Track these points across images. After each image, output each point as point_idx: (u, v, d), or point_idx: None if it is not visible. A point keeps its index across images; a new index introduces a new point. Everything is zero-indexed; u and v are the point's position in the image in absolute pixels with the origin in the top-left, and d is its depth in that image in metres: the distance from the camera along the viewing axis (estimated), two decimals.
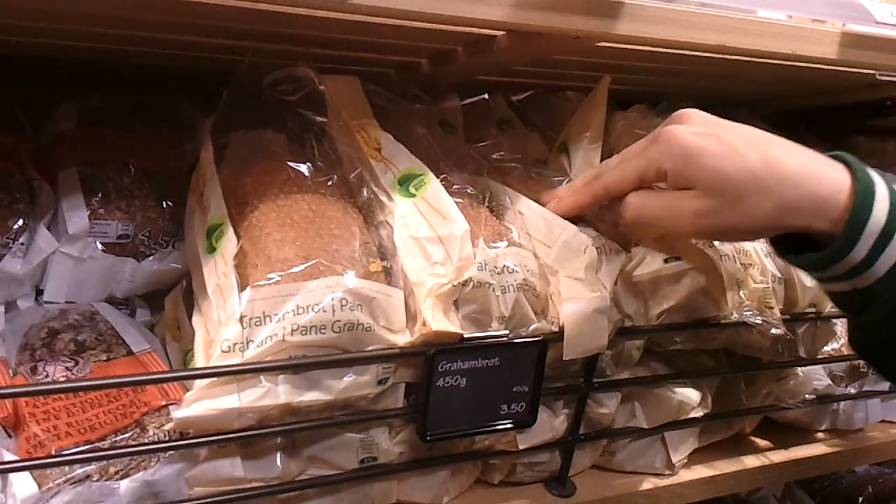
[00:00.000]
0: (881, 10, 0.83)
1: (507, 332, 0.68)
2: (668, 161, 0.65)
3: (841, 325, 0.98)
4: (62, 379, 0.66)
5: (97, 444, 0.61)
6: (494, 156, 0.88)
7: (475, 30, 0.76)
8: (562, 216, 0.76)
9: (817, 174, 0.60)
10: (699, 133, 0.64)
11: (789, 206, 0.60)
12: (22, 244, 0.75)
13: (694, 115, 0.67)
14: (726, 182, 0.61)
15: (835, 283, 0.62)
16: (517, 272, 0.69)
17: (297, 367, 0.61)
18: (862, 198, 0.58)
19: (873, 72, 0.90)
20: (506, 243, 0.72)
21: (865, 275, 0.59)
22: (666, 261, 0.74)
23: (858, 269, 0.59)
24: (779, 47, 0.80)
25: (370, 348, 0.64)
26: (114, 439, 0.62)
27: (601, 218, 0.78)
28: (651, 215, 0.68)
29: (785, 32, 0.80)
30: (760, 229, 0.64)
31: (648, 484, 0.84)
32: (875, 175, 0.60)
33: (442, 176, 0.75)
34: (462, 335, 0.65)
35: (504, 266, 0.69)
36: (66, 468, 0.59)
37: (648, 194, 0.68)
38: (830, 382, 0.95)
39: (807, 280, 0.84)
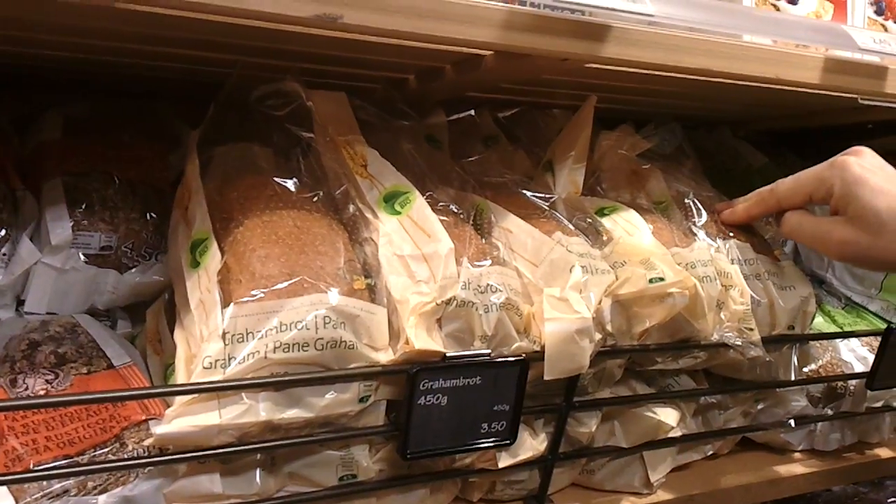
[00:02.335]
0: (863, 36, 0.84)
1: (489, 350, 0.68)
2: (838, 183, 0.76)
3: (819, 347, 0.99)
4: (42, 392, 0.66)
5: (76, 459, 0.60)
6: (490, 177, 0.89)
7: (464, 49, 0.77)
8: (732, 224, 0.89)
9: None
10: (865, 167, 0.75)
11: None
12: (4, 254, 0.75)
13: (866, 152, 0.79)
14: (872, 215, 0.72)
15: None
16: (501, 291, 0.69)
17: (278, 384, 0.61)
18: None
19: (855, 96, 0.91)
20: (490, 262, 0.72)
21: None
22: (650, 281, 0.74)
23: None
24: (763, 71, 0.81)
25: (352, 366, 0.64)
26: (93, 454, 0.61)
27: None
28: (802, 235, 0.82)
29: (769, 57, 0.81)
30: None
31: (627, 503, 0.84)
32: None
33: (427, 193, 0.75)
34: (444, 354, 0.66)
35: (488, 285, 0.69)
36: (45, 483, 0.58)
37: (804, 216, 0.81)
38: (808, 404, 0.96)
39: (784, 303, 0.85)
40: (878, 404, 1.03)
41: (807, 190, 0.80)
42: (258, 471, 0.65)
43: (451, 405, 0.67)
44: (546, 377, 0.70)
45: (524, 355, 0.70)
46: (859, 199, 0.73)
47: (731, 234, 0.87)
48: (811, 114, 1.18)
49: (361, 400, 0.65)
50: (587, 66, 0.77)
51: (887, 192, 0.73)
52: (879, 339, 0.94)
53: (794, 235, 0.83)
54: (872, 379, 0.95)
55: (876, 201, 0.73)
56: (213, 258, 0.65)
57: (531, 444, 0.76)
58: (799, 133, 1.30)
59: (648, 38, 0.73)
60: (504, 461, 0.73)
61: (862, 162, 0.76)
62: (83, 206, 0.79)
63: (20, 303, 0.79)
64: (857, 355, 1.02)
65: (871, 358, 1.00)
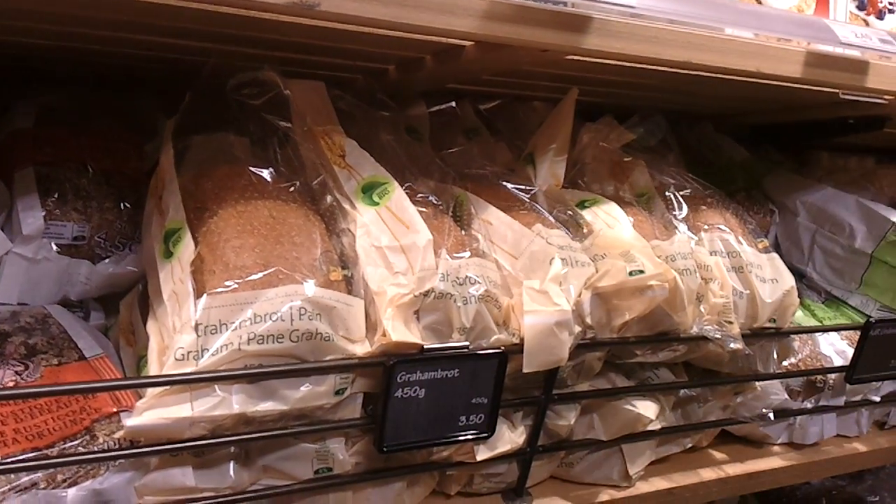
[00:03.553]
0: (845, 30, 0.84)
1: (467, 343, 0.68)
2: None
3: (799, 341, 0.99)
4: (11, 383, 0.65)
5: (45, 452, 0.59)
6: (471, 169, 0.88)
7: (444, 39, 0.76)
8: None
9: None
10: None
11: None
12: None
13: None
14: None
15: None
16: (480, 283, 0.69)
17: (252, 376, 0.60)
18: None
19: (836, 91, 0.91)
20: (469, 254, 0.71)
21: None
22: (630, 273, 0.74)
23: None
24: (744, 65, 0.80)
25: (328, 358, 0.63)
26: (62, 446, 0.60)
27: None
28: None
29: (751, 50, 0.80)
30: None
31: (605, 496, 0.84)
32: None
33: (406, 184, 0.75)
34: (422, 346, 0.65)
35: (466, 277, 0.69)
36: (12, 475, 0.57)
37: None
38: (787, 397, 0.96)
39: (766, 296, 0.85)
40: (857, 398, 1.04)
41: None
42: (232, 464, 0.64)
43: (429, 398, 0.67)
44: (525, 370, 0.69)
45: (503, 348, 0.69)
46: None
47: (714, 226, 0.87)
48: (792, 108, 1.18)
49: (337, 392, 0.65)
50: (568, 57, 0.77)
51: None
52: (859, 333, 0.94)
53: None
54: (852, 373, 0.95)
55: None
56: (186, 248, 0.64)
57: (510, 437, 0.75)
58: (780, 128, 1.30)
59: (629, 30, 0.72)
60: (482, 454, 0.73)
61: None
62: (56, 196, 0.78)
63: None
64: (836, 349, 1.03)
65: (850, 352, 1.00)
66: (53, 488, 0.58)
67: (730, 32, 0.81)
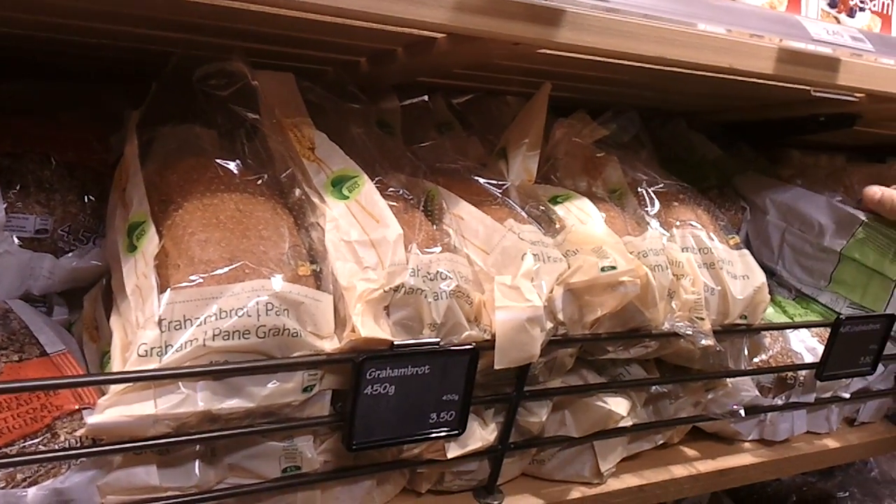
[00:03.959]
0: (817, 27, 0.84)
1: (438, 339, 0.67)
2: None
3: (770, 338, 1.00)
4: None
5: (4, 451, 0.58)
6: (443, 163, 0.87)
7: (415, 31, 0.75)
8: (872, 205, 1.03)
9: None
10: None
11: None
12: None
13: None
14: None
15: None
16: (451, 279, 0.68)
17: (217, 373, 0.59)
18: None
19: (808, 88, 0.91)
20: (440, 249, 0.70)
21: None
22: (602, 269, 0.73)
23: None
24: (717, 60, 0.80)
25: (296, 354, 0.62)
26: (22, 445, 0.59)
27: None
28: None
29: (724, 46, 0.80)
30: None
31: (577, 493, 0.84)
32: None
33: (377, 178, 0.74)
34: (392, 342, 0.64)
35: (437, 272, 0.68)
36: None
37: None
38: (758, 394, 0.96)
39: (738, 292, 0.85)
40: (827, 395, 1.04)
41: None
42: (197, 462, 0.63)
43: (399, 395, 0.66)
44: (497, 366, 0.69)
45: (474, 344, 0.68)
46: None
47: (686, 223, 0.87)
48: (765, 105, 1.18)
49: (305, 389, 0.63)
50: (540, 51, 0.76)
51: None
52: (829, 330, 0.94)
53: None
54: (822, 369, 0.95)
55: None
56: (150, 242, 0.63)
57: (481, 434, 0.74)
58: (753, 125, 1.30)
59: (602, 24, 0.71)
60: (453, 451, 0.72)
61: None
62: (17, 188, 0.76)
63: None
64: (806, 346, 1.03)
65: (820, 349, 1.00)
66: (13, 487, 0.57)
67: (703, 28, 0.81)
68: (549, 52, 0.76)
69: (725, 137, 1.29)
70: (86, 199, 0.79)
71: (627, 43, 0.74)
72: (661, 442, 0.94)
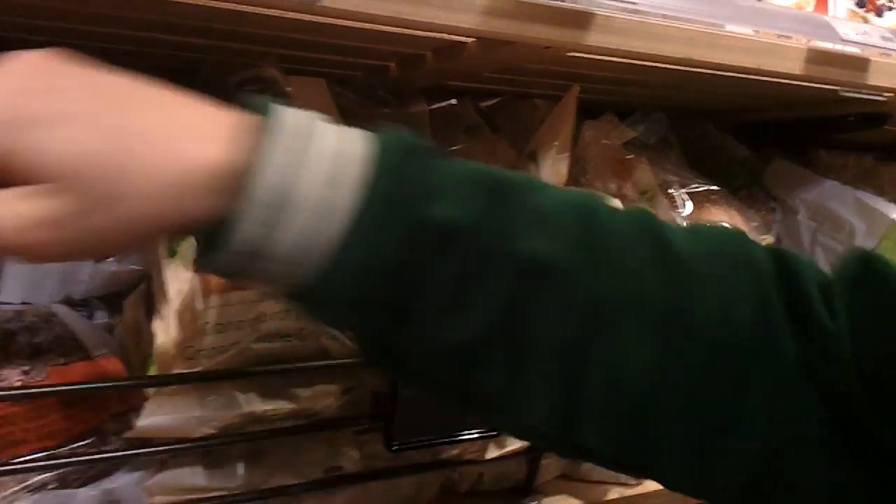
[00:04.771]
0: (845, 28, 0.84)
1: None
2: None
3: None
4: (18, 383, 0.64)
5: (55, 452, 0.59)
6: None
7: (445, 36, 0.76)
8: None
9: None
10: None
11: None
12: None
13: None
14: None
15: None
16: None
17: (261, 375, 0.60)
18: None
19: (836, 88, 0.92)
20: None
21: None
22: None
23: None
24: (745, 61, 0.81)
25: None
26: (72, 446, 0.60)
27: None
28: None
29: (751, 47, 0.80)
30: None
31: (615, 493, 0.84)
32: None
33: None
34: None
35: None
36: (23, 476, 0.57)
37: None
38: None
39: None
40: None
41: None
42: (241, 463, 0.64)
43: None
44: None
45: None
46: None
47: (719, 224, 0.87)
48: (792, 106, 1.18)
49: (346, 391, 0.64)
50: (569, 54, 0.77)
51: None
52: None
53: None
54: None
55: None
56: (192, 247, 0.64)
57: None
58: (781, 126, 1.30)
59: (631, 27, 0.72)
60: (491, 452, 0.73)
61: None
62: None
63: None
64: None
65: None
66: (64, 488, 0.58)
67: (730, 29, 0.82)
68: (577, 54, 0.77)
69: (752, 138, 1.28)
70: None
71: (656, 45, 0.74)
72: None
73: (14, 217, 0.37)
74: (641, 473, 0.51)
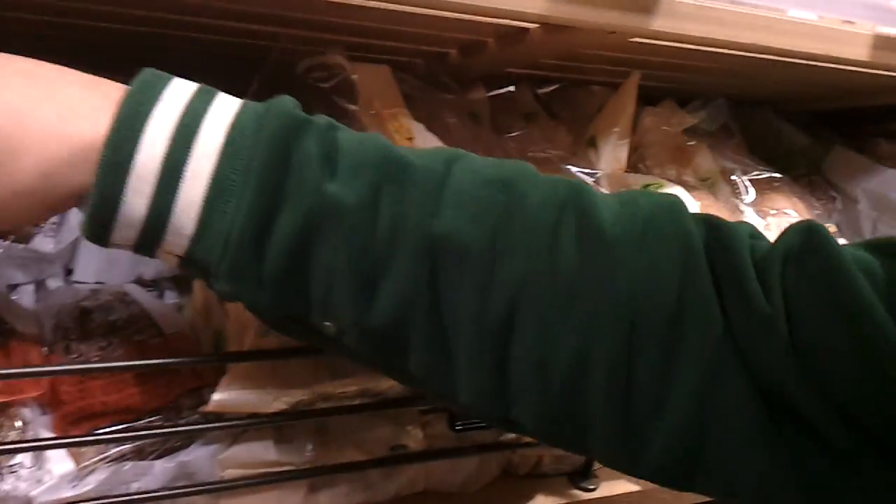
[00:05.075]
0: None
1: None
2: None
3: None
4: (96, 359, 0.66)
5: (132, 425, 0.61)
6: (534, 153, 0.88)
7: (509, 21, 0.76)
8: None
9: None
10: None
11: None
12: (54, 224, 0.76)
13: None
14: None
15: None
16: None
17: (331, 353, 0.61)
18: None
19: None
20: None
21: None
22: None
23: None
24: (811, 47, 0.80)
25: None
26: (148, 420, 0.62)
27: None
28: None
29: (815, 33, 0.80)
30: None
31: None
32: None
33: None
34: None
35: None
36: (102, 447, 0.59)
37: None
38: None
39: None
40: None
41: None
42: (310, 439, 0.65)
43: None
44: None
45: None
46: None
47: (781, 211, 0.87)
48: (853, 93, 1.16)
49: None
50: (631, 40, 0.76)
51: None
52: None
53: None
54: None
55: None
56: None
57: None
58: (840, 113, 1.28)
59: (695, 12, 0.72)
60: None
61: None
62: None
63: (69, 272, 0.79)
64: None
65: None
66: (141, 459, 0.60)
67: (794, 14, 0.81)
68: (638, 40, 0.76)
69: (812, 126, 1.27)
70: None
71: (720, 30, 0.74)
72: None
73: None
74: (576, 450, 0.51)
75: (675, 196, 0.47)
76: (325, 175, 0.41)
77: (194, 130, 0.40)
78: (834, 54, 0.82)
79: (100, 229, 0.41)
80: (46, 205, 0.42)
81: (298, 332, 0.48)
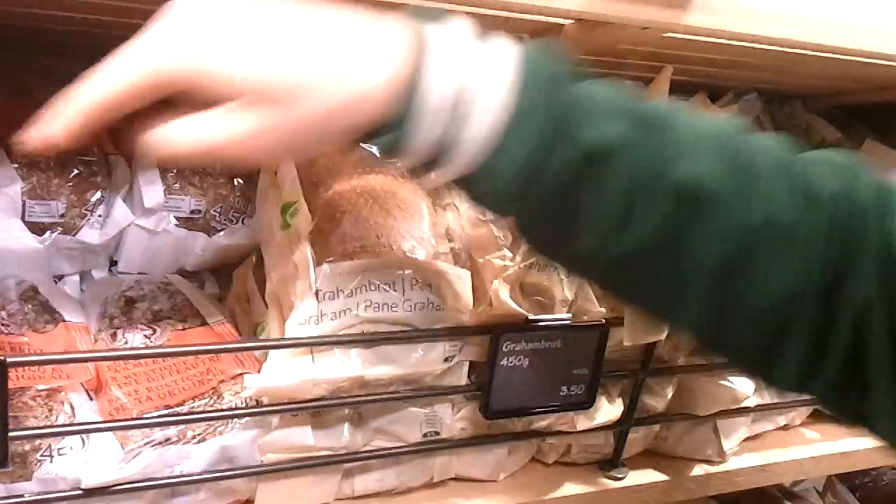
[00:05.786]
0: None
1: (569, 315, 0.70)
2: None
3: None
4: (141, 346, 0.69)
5: (176, 409, 0.63)
6: None
7: (545, 18, 0.77)
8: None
9: None
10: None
11: None
12: (99, 216, 0.78)
13: None
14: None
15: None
16: None
17: (369, 341, 0.63)
18: None
19: None
20: None
21: None
22: None
23: None
24: (845, 42, 0.80)
25: (438, 326, 0.66)
26: (192, 405, 0.64)
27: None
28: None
29: (851, 28, 0.80)
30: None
31: (699, 470, 0.85)
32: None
33: None
34: (527, 317, 0.67)
35: None
36: (147, 430, 0.61)
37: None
38: None
39: None
40: None
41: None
42: (347, 425, 0.67)
43: (532, 367, 0.69)
44: (626, 343, 0.71)
45: (604, 320, 0.71)
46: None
47: None
48: (883, 87, 1.15)
49: (446, 360, 0.67)
50: (665, 35, 0.77)
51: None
52: None
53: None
54: None
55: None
56: (303, 220, 0.67)
57: (608, 408, 0.76)
58: (870, 108, 1.27)
59: (729, 7, 0.72)
60: (582, 424, 0.74)
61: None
62: (174, 171, 0.81)
63: (113, 263, 0.82)
64: None
65: None
66: (185, 444, 0.62)
67: (826, 9, 0.81)
68: (671, 35, 0.77)
69: (843, 120, 1.26)
70: (235, 183, 0.84)
71: (754, 25, 0.74)
72: (783, 423, 0.94)
73: (229, 131, 0.43)
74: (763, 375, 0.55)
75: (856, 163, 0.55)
76: (593, 120, 0.46)
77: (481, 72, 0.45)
78: (869, 49, 0.82)
79: (395, 150, 0.46)
80: (338, 134, 0.46)
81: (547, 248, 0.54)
